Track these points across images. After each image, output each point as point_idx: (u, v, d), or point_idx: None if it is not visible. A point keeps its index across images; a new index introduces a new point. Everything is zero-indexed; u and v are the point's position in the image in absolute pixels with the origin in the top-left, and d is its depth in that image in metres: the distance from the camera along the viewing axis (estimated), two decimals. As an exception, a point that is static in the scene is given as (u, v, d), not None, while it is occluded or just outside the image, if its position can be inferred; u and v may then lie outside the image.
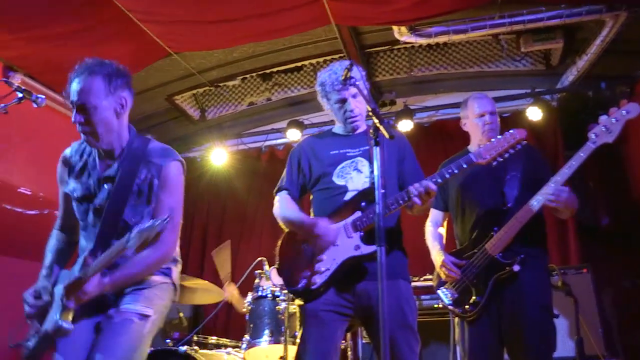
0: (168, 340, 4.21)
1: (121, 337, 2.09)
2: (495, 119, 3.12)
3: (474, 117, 3.14)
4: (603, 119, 2.75)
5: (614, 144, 2.75)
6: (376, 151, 2.12)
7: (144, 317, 2.16)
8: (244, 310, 3.95)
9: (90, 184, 2.29)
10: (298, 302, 2.61)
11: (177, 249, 2.36)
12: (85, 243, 2.29)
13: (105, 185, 2.26)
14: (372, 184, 2.54)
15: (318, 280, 2.48)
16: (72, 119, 2.23)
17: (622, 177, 4.96)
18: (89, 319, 2.18)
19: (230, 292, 4.53)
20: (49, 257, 2.34)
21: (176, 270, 2.38)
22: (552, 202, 2.75)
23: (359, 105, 2.70)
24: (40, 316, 2.18)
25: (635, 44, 4.53)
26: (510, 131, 2.53)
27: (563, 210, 2.85)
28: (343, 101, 2.69)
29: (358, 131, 2.77)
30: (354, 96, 2.67)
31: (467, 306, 2.86)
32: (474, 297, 2.85)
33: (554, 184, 2.77)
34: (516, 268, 2.77)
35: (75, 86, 2.21)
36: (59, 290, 2.16)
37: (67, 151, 2.41)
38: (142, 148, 2.31)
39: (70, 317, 2.07)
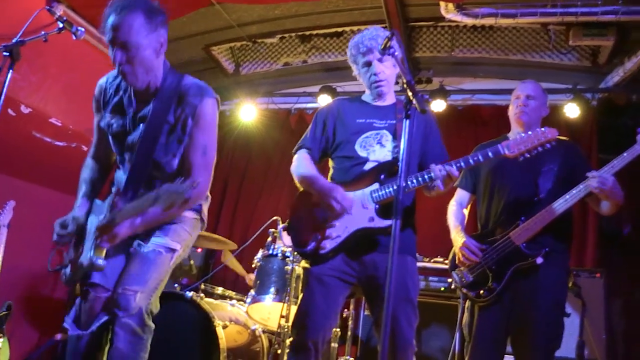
0: (176, 285, 4.32)
1: (149, 266, 2.19)
2: (530, 104, 3.04)
3: (513, 99, 3.10)
4: None
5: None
6: (405, 124, 2.08)
7: (172, 250, 2.25)
8: (254, 264, 4.00)
9: (126, 122, 2.30)
10: (303, 264, 2.63)
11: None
12: (120, 176, 2.35)
13: (141, 125, 2.27)
14: (394, 157, 2.54)
15: (328, 245, 2.50)
16: (112, 58, 2.16)
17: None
18: (120, 248, 2.25)
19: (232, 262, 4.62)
20: (82, 188, 2.38)
21: (206, 206, 2.45)
22: (598, 188, 2.66)
23: (385, 70, 2.65)
24: (74, 245, 2.26)
25: (689, 52, 4.35)
26: (542, 129, 2.48)
27: (607, 200, 2.77)
28: (368, 64, 2.65)
29: (386, 102, 2.74)
30: (379, 60, 2.62)
31: (482, 291, 2.85)
32: (490, 283, 2.84)
33: (584, 186, 2.72)
34: (539, 260, 2.75)
35: (114, 22, 2.10)
36: (92, 222, 2.23)
37: (103, 81, 2.40)
38: (176, 85, 2.26)
39: (103, 254, 2.13)
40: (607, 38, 4.45)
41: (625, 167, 2.70)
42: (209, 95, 2.27)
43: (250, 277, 4.39)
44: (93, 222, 2.23)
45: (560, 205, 2.78)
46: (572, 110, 5.01)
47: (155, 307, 2.24)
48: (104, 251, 2.13)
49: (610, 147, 4.81)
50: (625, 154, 2.69)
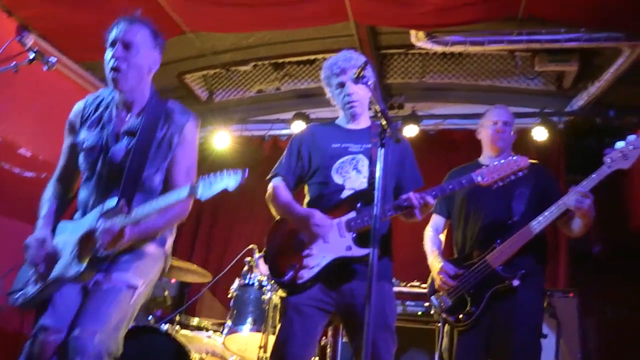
0: (150, 317, 4.21)
1: (108, 304, 2.07)
2: (508, 130, 3.13)
3: (489, 124, 3.16)
4: (620, 145, 2.74)
5: (615, 172, 2.74)
6: (380, 153, 2.11)
7: (133, 287, 2.15)
8: (230, 294, 3.94)
9: (102, 136, 2.29)
10: (281, 293, 2.60)
11: None
12: (87, 195, 2.28)
13: (125, 139, 2.27)
14: (370, 185, 2.55)
15: (305, 275, 2.48)
16: (112, 54, 2.23)
17: (620, 207, 4.97)
18: (75, 283, 2.16)
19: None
20: (46, 207, 2.33)
21: (170, 239, 2.40)
22: (577, 203, 2.70)
23: (359, 92, 2.67)
24: (44, 263, 2.17)
25: (649, 76, 4.53)
26: (515, 157, 2.53)
27: (582, 219, 2.82)
28: (342, 85, 2.68)
29: (361, 125, 2.75)
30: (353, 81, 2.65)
31: (461, 315, 2.87)
32: (469, 307, 2.85)
33: (558, 206, 2.78)
34: (515, 283, 2.78)
35: (125, 26, 2.26)
36: (63, 240, 2.18)
37: (81, 103, 2.42)
38: (163, 104, 2.35)
39: (86, 262, 2.09)
40: (570, 64, 4.60)
41: (592, 188, 2.76)
42: (194, 118, 2.39)
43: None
44: (66, 240, 2.18)
45: (538, 224, 2.83)
46: (539, 134, 5.15)
47: (118, 349, 2.06)
48: (87, 260, 2.09)
49: (578, 168, 4.94)
50: (594, 175, 2.75)
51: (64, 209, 2.41)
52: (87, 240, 2.11)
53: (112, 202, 2.16)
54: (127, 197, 2.16)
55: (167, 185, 2.30)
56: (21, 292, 2.20)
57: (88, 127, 2.33)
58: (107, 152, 2.26)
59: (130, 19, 2.29)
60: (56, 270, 2.14)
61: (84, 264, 2.09)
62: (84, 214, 2.24)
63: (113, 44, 2.26)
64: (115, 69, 2.24)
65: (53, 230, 2.26)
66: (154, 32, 2.33)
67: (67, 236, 2.20)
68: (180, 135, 2.31)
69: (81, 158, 2.31)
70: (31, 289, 2.17)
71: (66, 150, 2.41)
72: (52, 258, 2.18)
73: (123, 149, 2.25)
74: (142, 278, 2.18)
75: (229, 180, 2.03)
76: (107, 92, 2.40)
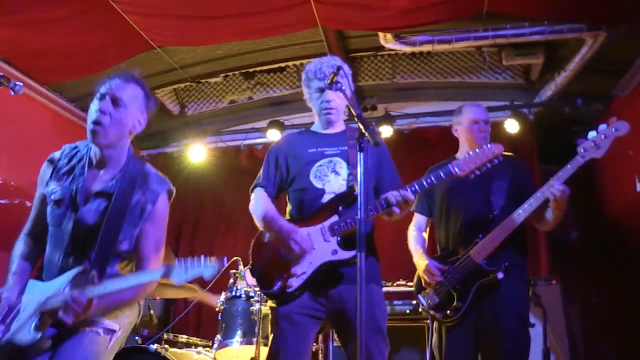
0: (137, 338, 4.15)
1: (83, 348, 2.02)
2: (487, 128, 3.19)
3: (468, 123, 3.20)
4: (592, 135, 2.81)
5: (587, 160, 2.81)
6: (360, 157, 2.12)
7: (110, 331, 2.11)
8: (217, 307, 3.91)
9: (72, 190, 2.20)
10: (271, 304, 2.59)
11: None
12: (52, 253, 2.17)
13: (96, 201, 2.18)
14: (349, 187, 2.57)
15: (294, 283, 2.47)
16: (98, 106, 2.16)
17: (594, 193, 5.08)
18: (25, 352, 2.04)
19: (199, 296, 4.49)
20: (15, 263, 2.21)
21: None
22: (559, 193, 2.75)
23: (337, 100, 2.69)
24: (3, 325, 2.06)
25: (612, 64, 4.65)
26: (488, 146, 2.57)
27: (557, 211, 2.86)
28: (322, 90, 2.69)
29: (335, 129, 2.77)
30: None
31: (448, 311, 2.90)
32: (455, 303, 2.88)
33: (541, 194, 2.83)
34: (500, 276, 2.82)
35: (117, 82, 2.21)
36: (28, 301, 2.07)
37: (57, 153, 2.33)
38: (140, 168, 2.28)
39: (44, 329, 1.98)
40: (536, 56, 4.69)
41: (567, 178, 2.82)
42: (169, 188, 2.33)
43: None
44: (31, 301, 2.07)
45: (519, 215, 2.87)
46: (511, 126, 5.24)
47: None
48: (46, 326, 1.99)
49: (550, 157, 5.05)
50: (568, 166, 2.81)
51: (34, 263, 2.29)
52: (51, 306, 2.00)
53: (80, 268, 2.07)
54: (99, 266, 2.08)
55: (137, 256, 2.22)
56: None
57: (58, 179, 2.24)
58: (75, 209, 2.17)
59: (127, 77, 2.25)
60: (10, 335, 2.01)
61: (40, 333, 1.97)
62: (50, 272, 2.14)
63: (102, 97, 2.19)
64: (96, 122, 2.16)
65: (22, 289, 2.14)
66: (147, 93, 2.30)
67: (32, 297, 2.09)
68: (154, 205, 2.23)
69: (48, 210, 2.21)
70: None
71: (37, 202, 2.30)
72: (8, 320, 2.06)
73: (93, 211, 2.16)
74: (119, 323, 2.15)
75: (206, 270, 1.97)
76: (84, 144, 2.32)
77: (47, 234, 2.24)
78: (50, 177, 2.27)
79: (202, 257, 2.00)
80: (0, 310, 2.06)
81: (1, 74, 2.65)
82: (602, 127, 2.81)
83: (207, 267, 1.97)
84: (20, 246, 2.27)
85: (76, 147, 2.33)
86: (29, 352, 1.99)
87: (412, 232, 3.24)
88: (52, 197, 2.20)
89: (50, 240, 2.20)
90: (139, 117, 2.27)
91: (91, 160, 2.25)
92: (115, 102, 2.18)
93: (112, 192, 2.19)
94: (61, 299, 1.96)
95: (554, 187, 2.76)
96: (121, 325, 2.16)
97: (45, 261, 2.19)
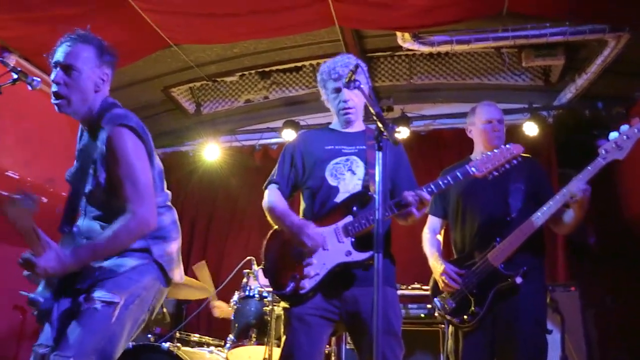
0: (150, 335, 4.15)
1: (83, 327, 2.02)
2: (502, 128, 3.11)
3: (482, 123, 3.13)
4: (614, 136, 2.73)
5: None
6: (378, 156, 2.07)
7: (110, 303, 2.06)
8: (230, 309, 3.89)
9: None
10: (283, 304, 2.56)
11: (165, 224, 2.26)
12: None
13: (76, 163, 2.26)
14: (365, 187, 2.52)
15: (307, 285, 2.43)
16: (52, 77, 2.17)
17: (613, 197, 4.99)
18: (59, 303, 2.12)
19: (219, 306, 4.52)
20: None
21: (158, 248, 2.22)
22: (582, 194, 2.69)
23: (354, 98, 2.65)
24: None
25: (635, 66, 4.56)
26: (507, 146, 2.52)
27: (578, 212, 2.79)
28: (338, 90, 2.65)
29: (354, 128, 2.73)
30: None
31: (465, 316, 2.84)
32: (472, 308, 2.83)
33: (561, 196, 2.76)
34: (518, 280, 2.76)
35: (64, 48, 2.19)
36: None
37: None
38: (101, 115, 2.19)
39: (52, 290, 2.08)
40: (557, 58, 4.62)
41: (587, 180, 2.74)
42: (120, 122, 2.15)
43: (219, 305, 4.29)
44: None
45: (538, 218, 2.81)
46: (530, 129, 5.16)
47: None
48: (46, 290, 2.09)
49: (569, 161, 4.97)
50: (589, 167, 2.73)
51: None
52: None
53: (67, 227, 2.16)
54: (67, 220, 2.15)
55: (119, 199, 2.13)
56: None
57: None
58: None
59: (72, 38, 2.22)
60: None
61: (38, 293, 2.08)
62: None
63: (55, 67, 2.19)
64: (55, 95, 2.17)
65: None
66: (100, 48, 2.24)
67: None
68: (105, 144, 2.12)
69: None
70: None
71: None
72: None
73: (72, 174, 2.23)
74: (119, 293, 2.08)
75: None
76: None
77: None
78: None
79: None
80: None
81: (19, 69, 2.68)
82: (624, 127, 2.73)
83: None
84: None
85: None
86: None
87: (426, 235, 3.18)
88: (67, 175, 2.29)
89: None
90: (98, 74, 2.23)
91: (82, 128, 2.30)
92: (67, 69, 2.17)
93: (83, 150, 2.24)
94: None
95: (576, 186, 2.69)
96: (123, 294, 2.09)
97: None
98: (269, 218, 2.64)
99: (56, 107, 2.20)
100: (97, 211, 2.21)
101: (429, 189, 2.44)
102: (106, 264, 2.12)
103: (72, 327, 2.03)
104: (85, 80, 2.19)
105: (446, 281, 2.89)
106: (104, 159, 2.14)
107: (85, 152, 2.20)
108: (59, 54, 2.19)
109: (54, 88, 2.17)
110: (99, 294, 2.07)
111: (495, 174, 2.50)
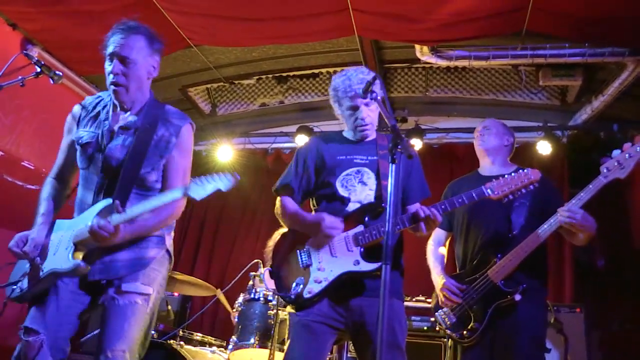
0: (153, 332, 4.17)
1: (129, 321, 2.16)
2: (487, 133, 3.19)
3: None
4: (616, 153, 2.68)
5: (619, 185, 2.71)
6: (392, 168, 2.08)
7: (146, 295, 2.22)
8: (233, 311, 3.91)
9: (98, 133, 2.33)
10: (289, 309, 2.57)
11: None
12: (84, 193, 2.31)
13: (121, 136, 2.30)
14: (377, 198, 2.52)
15: (313, 290, 2.44)
16: (110, 69, 2.28)
17: (623, 221, 4.96)
18: (78, 295, 2.22)
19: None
20: (44, 205, 2.36)
21: (169, 237, 2.42)
22: (567, 220, 2.67)
23: (371, 114, 2.65)
24: (40, 258, 2.22)
25: (653, 90, 4.54)
26: (525, 170, 2.49)
27: (579, 232, 2.78)
28: (355, 108, 2.63)
29: (368, 139, 2.73)
30: (366, 104, 2.61)
31: (465, 332, 2.84)
32: (472, 323, 2.83)
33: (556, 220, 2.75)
34: (517, 297, 2.75)
35: (119, 39, 2.29)
36: (60, 237, 2.24)
37: (78, 106, 2.46)
38: (161, 108, 2.41)
39: (80, 258, 2.15)
40: (574, 78, 4.62)
41: (595, 199, 2.71)
42: (190, 122, 2.45)
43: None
44: (63, 236, 2.23)
45: (539, 236, 2.78)
46: (543, 148, 5.15)
47: (139, 355, 2.22)
48: (82, 255, 2.16)
49: (581, 182, 4.90)
50: (590, 186, 2.69)
51: (60, 206, 2.45)
52: (82, 237, 2.15)
53: (107, 200, 2.20)
54: (122, 196, 2.21)
55: (164, 185, 2.34)
56: (17, 285, 2.25)
57: (85, 125, 2.38)
58: (103, 149, 2.30)
59: (125, 29, 2.31)
60: (51, 265, 2.18)
61: (79, 260, 2.15)
62: (81, 211, 2.28)
63: (111, 58, 2.30)
64: (115, 84, 2.30)
65: (50, 228, 2.31)
66: (150, 38, 2.36)
67: (63, 233, 2.25)
68: (178, 137, 2.35)
69: (78, 155, 2.36)
70: (26, 283, 2.22)
71: (64, 148, 2.46)
72: (45, 254, 2.24)
73: (119, 147, 2.29)
74: (151, 284, 2.25)
75: (221, 182, 2.07)
76: (107, 94, 2.44)
77: (72, 178, 2.45)
78: (77, 125, 2.40)
79: (215, 173, 2.10)
80: (34, 249, 2.21)
81: (42, 62, 2.72)
82: (627, 145, 2.69)
83: (222, 179, 2.08)
84: (47, 189, 2.42)
85: (99, 96, 2.46)
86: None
87: (430, 247, 3.20)
88: (80, 141, 2.34)
89: (82, 183, 2.35)
90: (151, 63, 2.38)
91: (115, 106, 2.39)
92: (123, 61, 2.28)
93: (136, 128, 2.32)
94: (89, 227, 2.10)
95: (562, 213, 2.68)
96: (154, 285, 2.27)
97: (78, 203, 2.34)
98: (283, 222, 2.65)
99: (113, 94, 2.33)
100: (138, 189, 2.30)
101: (443, 207, 2.43)
102: (130, 255, 2.24)
103: (115, 320, 2.16)
104: (140, 69, 2.33)
105: (447, 295, 2.90)
106: (172, 147, 2.32)
107: (145, 133, 2.30)
108: (114, 46, 2.28)
109: (112, 78, 2.29)
110: (134, 286, 2.21)
111: (511, 197, 2.50)
